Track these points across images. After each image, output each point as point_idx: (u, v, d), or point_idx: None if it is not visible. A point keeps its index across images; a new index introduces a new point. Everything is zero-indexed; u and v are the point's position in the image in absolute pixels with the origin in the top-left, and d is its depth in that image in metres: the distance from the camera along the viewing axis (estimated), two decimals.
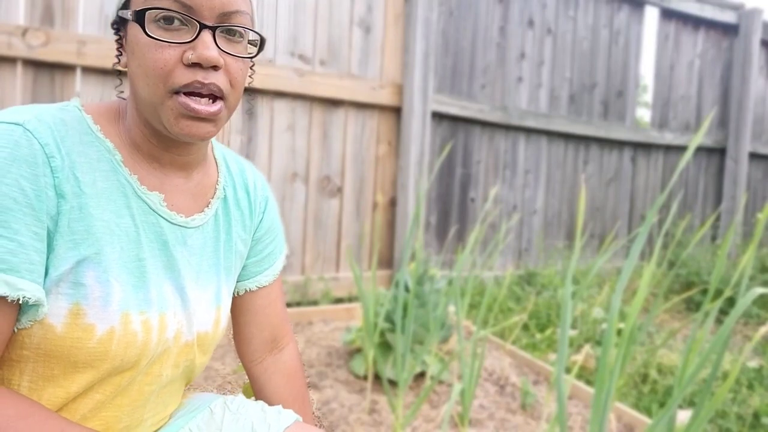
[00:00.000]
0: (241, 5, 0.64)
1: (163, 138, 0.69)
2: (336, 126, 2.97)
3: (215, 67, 0.63)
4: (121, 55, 0.68)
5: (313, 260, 2.95)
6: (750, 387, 2.25)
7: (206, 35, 0.62)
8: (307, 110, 2.87)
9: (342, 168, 3.01)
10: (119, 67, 0.69)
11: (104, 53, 2.30)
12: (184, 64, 0.62)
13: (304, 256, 2.92)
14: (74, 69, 2.31)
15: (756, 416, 2.01)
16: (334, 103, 2.94)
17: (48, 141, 0.60)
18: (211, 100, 0.64)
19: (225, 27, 0.63)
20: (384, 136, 3.12)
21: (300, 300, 2.85)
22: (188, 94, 0.63)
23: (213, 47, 0.62)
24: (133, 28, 0.63)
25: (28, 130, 0.59)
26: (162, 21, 0.61)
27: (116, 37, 0.68)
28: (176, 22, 0.62)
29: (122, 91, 0.73)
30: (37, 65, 2.24)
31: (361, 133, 3.05)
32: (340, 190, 3.01)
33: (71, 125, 0.64)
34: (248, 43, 0.68)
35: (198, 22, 0.62)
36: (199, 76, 0.62)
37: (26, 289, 0.57)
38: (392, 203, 3.17)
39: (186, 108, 0.62)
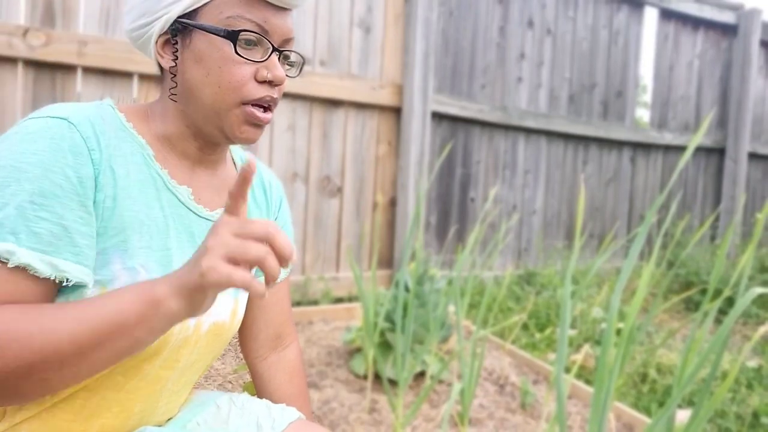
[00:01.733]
0: (293, 33, 0.74)
1: (202, 139, 0.74)
2: (336, 126, 2.97)
3: (277, 83, 0.71)
4: (163, 57, 0.72)
5: (313, 260, 2.95)
6: (749, 386, 2.25)
7: (275, 56, 0.71)
8: (307, 110, 2.88)
9: (342, 168, 3.01)
10: (165, 65, 0.73)
11: (105, 53, 2.31)
12: (257, 81, 0.70)
13: (304, 256, 2.93)
14: (75, 69, 2.31)
15: (755, 416, 2.02)
16: (334, 103, 2.94)
17: (89, 134, 0.65)
18: (267, 110, 0.72)
19: (287, 51, 0.72)
20: (384, 136, 3.12)
21: (300, 300, 2.86)
22: (255, 105, 0.70)
23: (281, 68, 0.71)
24: (204, 39, 0.69)
25: (72, 123, 0.64)
26: (244, 42, 0.69)
27: (165, 37, 0.72)
28: (252, 43, 0.69)
29: (174, 93, 0.74)
30: (37, 66, 2.24)
31: (361, 133, 3.05)
32: (340, 190, 3.01)
33: (108, 121, 0.69)
34: (288, 64, 0.76)
35: (271, 44, 0.70)
36: (269, 92, 0.70)
37: (69, 270, 0.61)
38: (392, 203, 3.17)
39: (253, 117, 0.70)
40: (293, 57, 0.75)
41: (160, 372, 0.72)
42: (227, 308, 0.78)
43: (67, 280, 0.61)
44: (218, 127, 0.71)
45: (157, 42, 0.72)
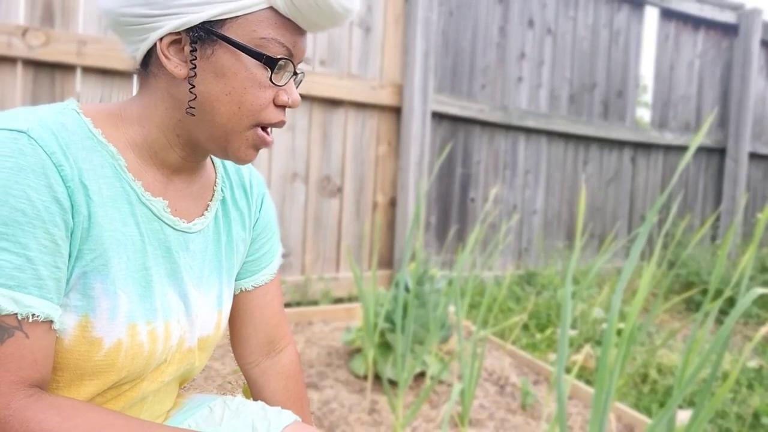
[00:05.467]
0: None
1: (191, 149, 0.70)
2: (336, 126, 2.97)
3: (293, 107, 0.70)
4: (169, 59, 0.65)
5: (313, 260, 2.95)
6: (750, 387, 2.25)
7: (292, 80, 0.69)
8: (306, 110, 2.88)
9: (342, 168, 3.01)
10: (177, 74, 0.64)
11: (104, 53, 2.30)
12: (275, 104, 0.67)
13: (304, 256, 2.92)
14: (74, 69, 2.30)
15: (756, 416, 2.02)
16: (334, 103, 2.94)
17: (54, 149, 0.58)
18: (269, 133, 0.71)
19: (300, 72, 0.71)
20: (384, 136, 3.12)
21: (300, 300, 2.85)
22: (264, 128, 0.69)
23: (296, 90, 0.70)
24: (231, 55, 0.64)
25: (32, 138, 0.57)
26: (276, 67, 0.65)
27: (175, 38, 0.64)
28: (281, 68, 0.66)
29: (192, 107, 0.67)
30: (37, 65, 2.24)
31: (361, 133, 3.05)
32: (340, 190, 3.01)
33: (73, 130, 0.62)
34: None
35: (295, 69, 0.68)
36: (283, 116, 0.69)
37: (34, 305, 0.56)
38: (392, 203, 3.17)
39: (262, 140, 0.68)
40: (299, 75, 0.73)
41: (142, 387, 0.71)
42: (212, 322, 0.76)
43: (34, 315, 0.56)
44: (222, 146, 0.67)
45: (161, 39, 0.64)
